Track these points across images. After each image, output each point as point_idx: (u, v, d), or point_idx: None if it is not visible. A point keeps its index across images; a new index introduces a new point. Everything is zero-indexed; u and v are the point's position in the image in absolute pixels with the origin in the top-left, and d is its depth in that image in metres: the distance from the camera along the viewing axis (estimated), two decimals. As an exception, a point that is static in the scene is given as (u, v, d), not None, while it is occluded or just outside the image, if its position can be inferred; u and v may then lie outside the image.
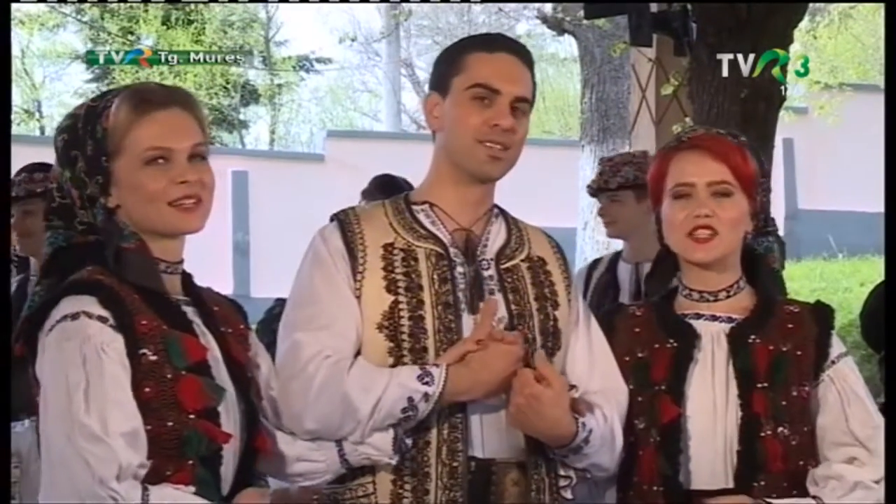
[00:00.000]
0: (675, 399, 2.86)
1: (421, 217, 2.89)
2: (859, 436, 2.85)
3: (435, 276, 2.82)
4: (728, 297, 2.94)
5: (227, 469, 2.58)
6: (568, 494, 2.87)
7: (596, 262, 5.56)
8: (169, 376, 2.50)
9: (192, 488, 2.49)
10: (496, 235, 2.92)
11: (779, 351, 2.86)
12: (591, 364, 2.91)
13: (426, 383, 2.71)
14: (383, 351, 2.78)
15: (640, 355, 2.93)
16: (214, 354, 2.60)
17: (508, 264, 2.89)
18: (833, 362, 2.89)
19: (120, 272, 2.56)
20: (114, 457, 2.40)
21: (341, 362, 2.74)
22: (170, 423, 2.49)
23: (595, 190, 5.36)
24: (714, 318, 2.93)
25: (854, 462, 2.85)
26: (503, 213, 2.98)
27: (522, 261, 2.91)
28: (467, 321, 2.80)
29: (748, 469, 2.81)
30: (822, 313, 2.93)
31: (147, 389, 2.48)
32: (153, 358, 2.50)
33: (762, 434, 2.82)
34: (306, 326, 2.79)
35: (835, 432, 2.86)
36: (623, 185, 5.24)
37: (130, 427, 2.44)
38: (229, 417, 2.59)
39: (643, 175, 5.23)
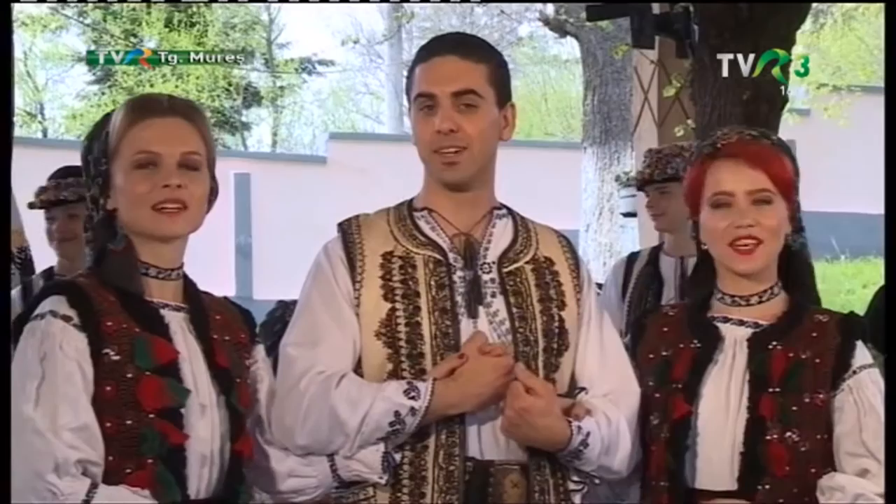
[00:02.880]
0: (688, 397, 2.86)
1: (421, 224, 2.90)
2: (870, 447, 2.83)
3: (432, 283, 2.83)
4: (760, 302, 2.93)
5: (202, 471, 2.63)
6: (577, 500, 2.88)
7: (634, 255, 5.50)
8: (130, 376, 2.57)
9: (146, 492, 2.54)
10: (499, 238, 2.92)
11: (798, 358, 2.86)
12: (603, 364, 2.91)
13: (412, 397, 2.73)
14: (382, 358, 2.80)
15: (664, 354, 2.94)
16: (192, 361, 2.65)
17: (511, 267, 2.89)
18: (854, 372, 2.87)
19: (100, 273, 2.64)
20: (50, 451, 2.48)
21: (331, 377, 2.77)
22: (129, 422, 2.55)
23: (643, 182, 5.32)
24: (741, 322, 2.93)
25: (867, 475, 2.83)
26: (511, 213, 2.97)
27: (527, 262, 2.90)
28: (466, 325, 2.81)
29: (752, 471, 2.81)
30: (848, 323, 2.91)
31: (108, 388, 2.56)
32: (115, 358, 2.57)
33: (767, 437, 2.82)
34: (301, 341, 2.83)
35: (849, 443, 2.85)
36: (673, 177, 5.20)
37: (80, 423, 2.52)
38: (206, 421, 2.64)
39: None
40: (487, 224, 2.92)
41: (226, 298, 2.85)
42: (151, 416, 2.56)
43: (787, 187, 2.92)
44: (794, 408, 2.83)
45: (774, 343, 2.88)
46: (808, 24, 13.05)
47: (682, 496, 2.84)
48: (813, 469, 2.85)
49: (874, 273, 13.97)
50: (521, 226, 2.96)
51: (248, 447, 2.72)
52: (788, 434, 2.82)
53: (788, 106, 6.89)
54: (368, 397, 2.74)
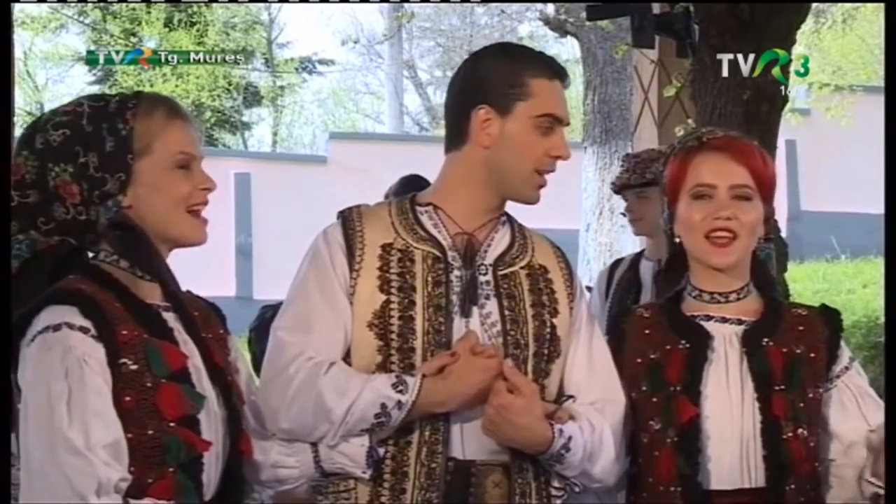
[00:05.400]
0: (692, 399, 2.86)
1: (423, 219, 2.90)
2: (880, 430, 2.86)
3: (429, 279, 2.83)
4: (739, 299, 2.95)
5: (210, 474, 2.60)
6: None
7: (618, 261, 5.56)
8: (149, 384, 2.51)
9: (172, 503, 2.50)
10: (499, 242, 2.92)
11: (792, 353, 2.87)
12: (590, 374, 2.91)
13: (400, 391, 2.74)
14: (372, 349, 2.80)
15: (652, 357, 2.93)
16: (195, 362, 2.62)
17: (506, 270, 2.89)
18: (847, 368, 2.92)
19: (142, 262, 2.58)
20: (93, 471, 2.41)
21: (321, 363, 2.77)
22: (150, 432, 2.50)
23: (620, 186, 5.35)
24: (724, 319, 2.93)
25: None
26: (510, 219, 2.98)
27: (522, 268, 2.91)
28: (458, 324, 2.82)
29: (777, 472, 2.82)
30: (830, 316, 2.95)
31: (128, 398, 2.49)
32: (133, 367, 2.51)
33: (784, 436, 2.83)
34: (293, 325, 2.83)
35: (856, 434, 2.89)
36: (651, 182, 5.24)
37: (112, 438, 2.46)
38: (210, 423, 2.60)
39: None
40: (491, 228, 2.93)
41: (189, 292, 2.77)
42: (172, 424, 2.51)
43: (767, 188, 2.94)
44: (801, 404, 2.85)
45: (766, 339, 2.89)
46: (808, 24, 13.05)
47: (698, 498, 2.83)
48: (816, 463, 2.88)
49: (874, 272, 13.97)
50: (519, 232, 2.97)
51: (249, 446, 2.70)
52: (800, 430, 2.85)
53: (789, 106, 6.90)
54: (356, 387, 2.74)
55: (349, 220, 2.90)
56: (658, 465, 2.87)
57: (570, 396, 2.89)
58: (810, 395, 2.86)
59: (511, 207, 3.00)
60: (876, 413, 2.90)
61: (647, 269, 5.29)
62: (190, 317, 2.67)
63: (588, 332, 2.95)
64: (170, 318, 2.63)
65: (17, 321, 2.54)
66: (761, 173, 2.92)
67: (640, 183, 5.26)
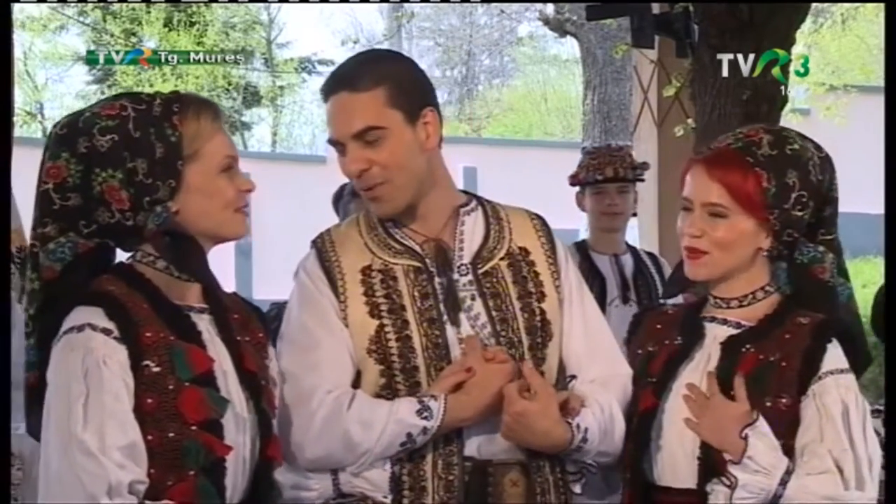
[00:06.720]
0: (657, 391, 2.85)
1: (393, 230, 2.85)
2: (834, 455, 2.76)
3: (416, 293, 2.79)
4: (742, 305, 2.91)
5: (236, 479, 2.58)
6: (577, 489, 2.86)
7: None
8: (171, 387, 2.50)
9: None
10: (472, 236, 2.87)
11: (766, 361, 2.82)
12: (589, 348, 2.88)
13: (425, 417, 2.71)
14: (375, 373, 2.77)
15: (650, 349, 2.94)
16: (223, 366, 2.60)
17: (486, 267, 2.84)
18: (820, 377, 2.81)
19: (190, 268, 2.59)
20: (104, 474, 2.41)
21: (341, 397, 2.74)
22: (171, 434, 2.49)
23: (605, 179, 5.30)
24: (725, 321, 2.91)
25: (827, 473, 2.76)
26: (482, 204, 2.92)
27: (502, 258, 2.86)
28: (451, 333, 2.78)
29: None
30: (821, 326, 2.85)
31: (149, 400, 2.49)
32: (156, 369, 2.50)
33: None
34: (304, 360, 2.78)
35: (808, 452, 2.77)
36: (637, 178, 5.29)
37: (128, 441, 2.45)
38: (238, 427, 2.59)
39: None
40: (455, 224, 2.87)
41: (235, 294, 2.78)
42: (194, 427, 2.50)
43: (750, 203, 2.83)
44: (753, 412, 2.77)
45: (748, 346, 2.84)
46: (807, 24, 13.06)
47: (641, 490, 2.83)
48: None
49: (874, 273, 13.96)
50: (493, 217, 2.91)
51: (278, 451, 2.67)
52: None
53: (789, 105, 6.90)
54: (381, 419, 2.71)
55: (323, 250, 2.85)
56: (625, 453, 2.87)
57: (573, 377, 2.86)
58: (768, 404, 2.78)
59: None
60: (832, 433, 2.76)
61: (603, 263, 5.28)
62: (226, 319, 2.66)
63: (579, 301, 2.91)
64: (203, 319, 2.62)
65: (49, 321, 2.55)
66: (738, 189, 2.83)
67: (633, 178, 5.30)
